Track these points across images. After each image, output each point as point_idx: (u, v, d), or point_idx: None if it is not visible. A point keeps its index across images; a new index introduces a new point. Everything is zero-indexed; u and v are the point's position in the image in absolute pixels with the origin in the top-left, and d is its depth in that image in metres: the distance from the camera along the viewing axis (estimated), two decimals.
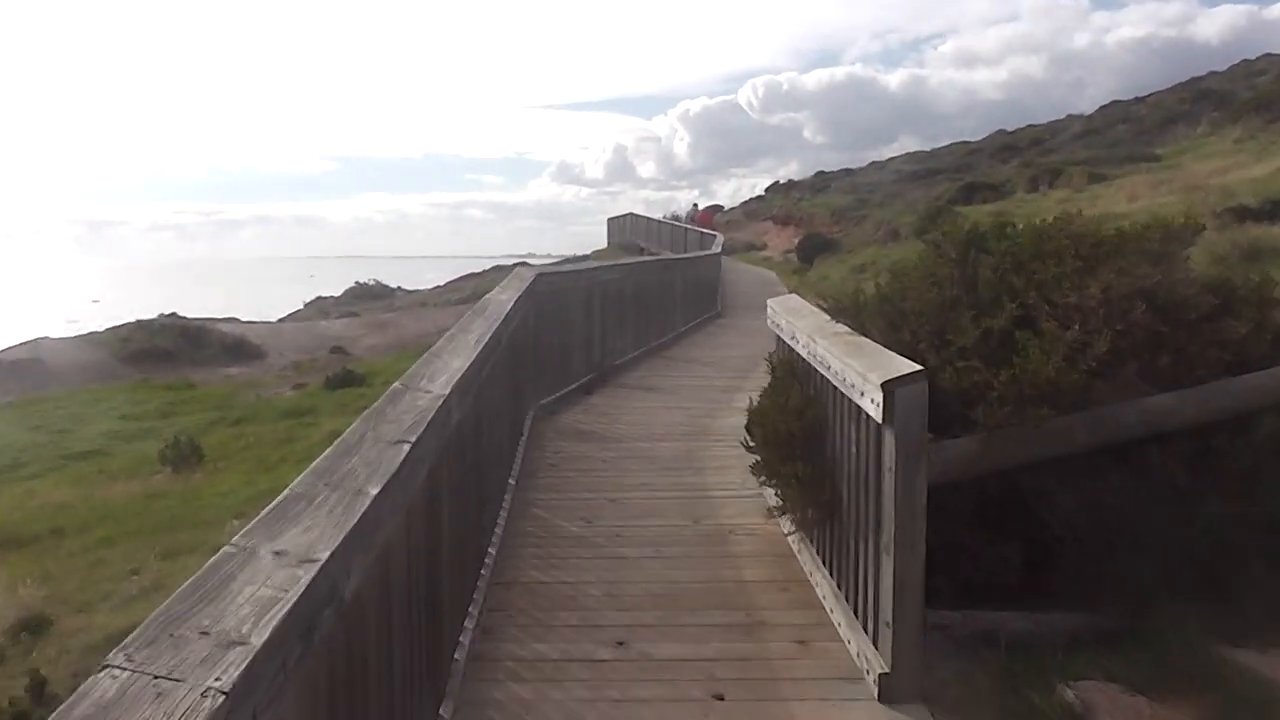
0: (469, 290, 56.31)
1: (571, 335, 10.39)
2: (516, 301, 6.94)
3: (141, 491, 13.69)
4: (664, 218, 49.47)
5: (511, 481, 6.70)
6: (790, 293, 30.09)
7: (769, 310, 6.73)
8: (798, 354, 5.59)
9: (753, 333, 18.25)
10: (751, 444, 5.88)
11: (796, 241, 42.07)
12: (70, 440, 21.02)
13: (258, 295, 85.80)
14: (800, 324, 5.65)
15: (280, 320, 52.05)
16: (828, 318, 5.50)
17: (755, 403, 6.07)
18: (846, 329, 5.16)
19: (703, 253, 20.17)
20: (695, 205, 51.35)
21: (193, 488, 13.60)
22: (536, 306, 8.94)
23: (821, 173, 60.58)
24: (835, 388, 4.71)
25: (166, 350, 36.55)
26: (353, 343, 38.75)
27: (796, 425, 5.27)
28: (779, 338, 6.45)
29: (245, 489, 12.10)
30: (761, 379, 10.62)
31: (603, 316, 11.62)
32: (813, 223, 44.53)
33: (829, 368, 4.77)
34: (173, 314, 43.87)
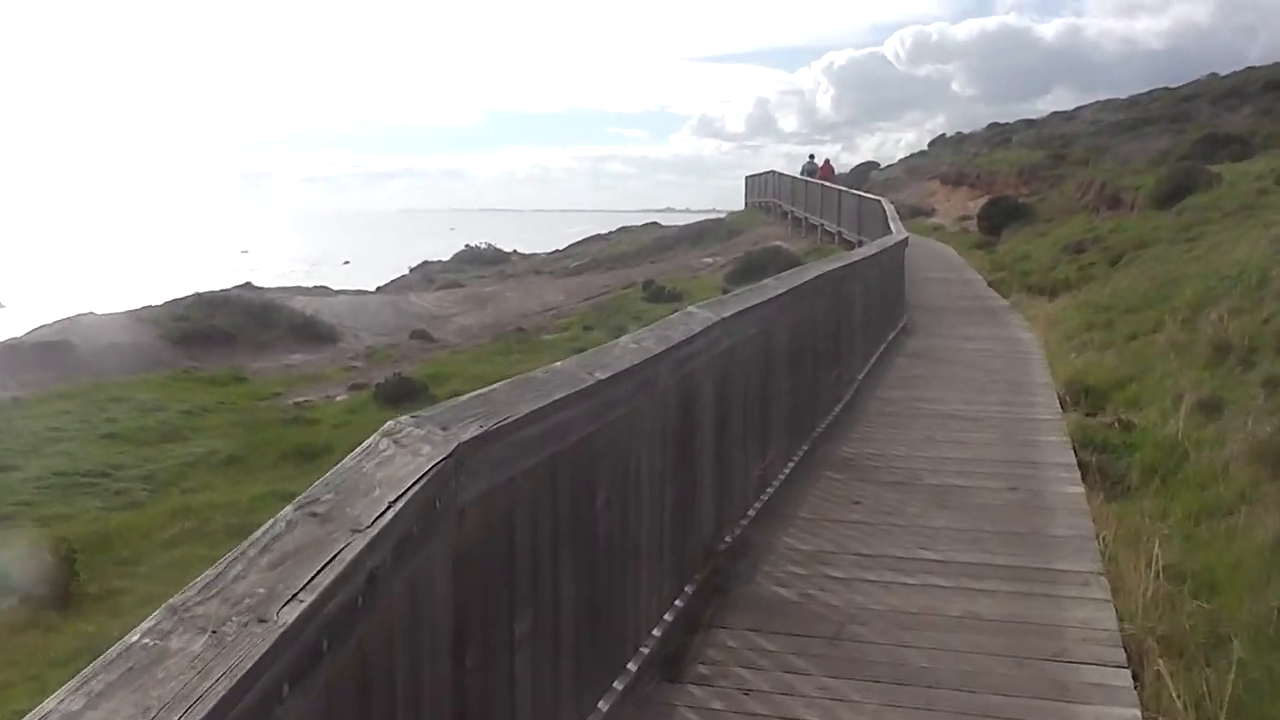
0: (590, 256, 49.95)
1: (627, 532, 3.85)
2: None
3: None
4: (801, 173, 42.31)
5: None
6: (969, 269, 22.72)
7: None
8: None
9: (971, 369, 11.41)
10: None
11: (976, 207, 34.64)
12: (2, 481, 15.39)
13: (402, 248, 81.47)
14: None
15: (379, 288, 46.56)
16: None
17: None
18: None
19: (888, 240, 13.34)
20: (811, 156, 43.42)
21: None
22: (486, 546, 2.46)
23: (996, 124, 52.29)
24: None
25: (225, 331, 31.09)
26: (442, 323, 32.74)
27: None
28: None
29: None
30: (1076, 553, 3.86)
31: (719, 429, 5.05)
32: (993, 183, 36.93)
33: None
34: (246, 284, 38.58)
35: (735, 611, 4.70)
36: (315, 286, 43.59)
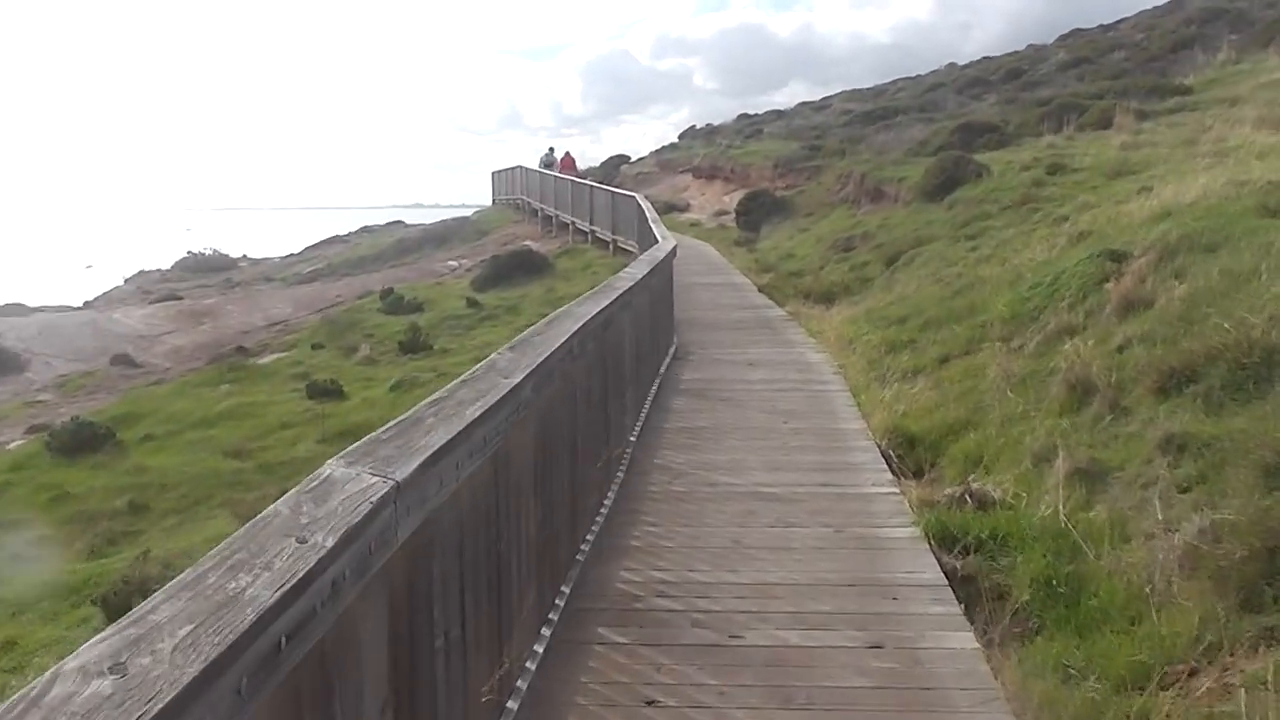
0: (326, 261, 46.03)
1: None
2: None
3: None
4: (540, 167, 40.15)
5: None
6: (735, 271, 20.80)
7: None
8: None
9: (767, 413, 9.16)
10: None
11: (732, 201, 33.21)
12: None
13: (151, 250, 71.96)
14: None
15: (86, 303, 41.53)
16: None
17: None
18: None
19: (658, 252, 11.02)
20: (550, 149, 41.39)
21: None
22: None
23: (746, 115, 51.36)
24: None
25: None
26: (150, 344, 28.74)
27: None
28: None
29: None
30: None
31: (405, 670, 2.63)
32: (748, 176, 35.63)
33: None
34: None
35: None
36: (5, 304, 38.33)
